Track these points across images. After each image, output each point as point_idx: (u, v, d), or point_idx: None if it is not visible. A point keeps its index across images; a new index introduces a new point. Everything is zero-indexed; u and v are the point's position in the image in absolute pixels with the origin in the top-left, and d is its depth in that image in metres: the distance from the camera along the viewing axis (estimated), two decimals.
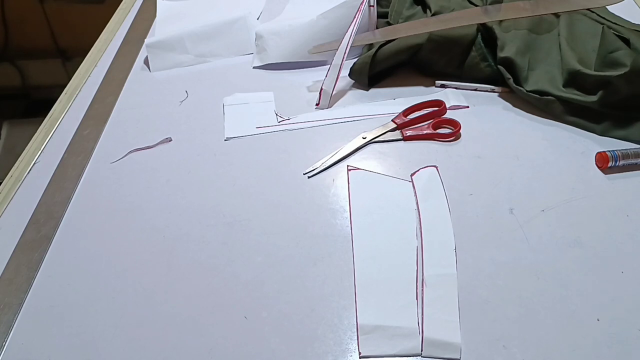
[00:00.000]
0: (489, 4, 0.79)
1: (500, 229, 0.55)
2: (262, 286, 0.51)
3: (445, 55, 0.74)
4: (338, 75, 0.73)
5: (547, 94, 0.67)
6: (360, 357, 0.45)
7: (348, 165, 0.63)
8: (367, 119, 0.70)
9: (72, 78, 0.84)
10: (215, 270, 0.53)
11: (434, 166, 0.62)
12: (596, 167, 0.61)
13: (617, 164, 0.60)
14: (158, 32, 0.90)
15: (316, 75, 0.78)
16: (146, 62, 0.84)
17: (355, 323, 0.47)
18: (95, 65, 0.86)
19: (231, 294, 0.51)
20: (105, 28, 0.97)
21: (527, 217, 0.56)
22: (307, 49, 0.79)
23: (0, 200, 0.63)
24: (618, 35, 0.70)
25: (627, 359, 0.44)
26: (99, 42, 0.93)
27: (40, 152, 0.69)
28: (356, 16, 0.75)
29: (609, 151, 0.60)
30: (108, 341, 0.47)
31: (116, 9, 1.03)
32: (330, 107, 0.73)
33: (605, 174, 0.60)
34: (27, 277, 0.53)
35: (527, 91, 0.68)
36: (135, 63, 0.85)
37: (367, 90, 0.76)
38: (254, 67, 0.82)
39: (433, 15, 0.78)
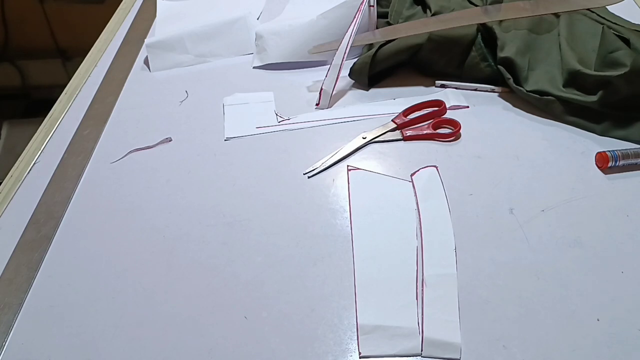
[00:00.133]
0: (489, 4, 0.79)
1: (500, 229, 0.55)
2: (262, 286, 0.51)
3: (445, 55, 0.74)
4: (338, 75, 0.73)
5: (547, 94, 0.67)
6: (360, 357, 0.45)
7: (348, 165, 0.63)
8: (367, 119, 0.70)
9: (72, 78, 0.84)
10: (215, 270, 0.53)
11: (434, 166, 0.62)
12: (596, 167, 0.61)
13: (617, 164, 0.60)
14: (158, 32, 0.90)
15: (316, 75, 0.78)
16: (146, 62, 0.84)
17: (355, 323, 0.47)
18: (95, 65, 0.86)
19: (231, 294, 0.51)
20: (105, 28, 0.97)
21: (527, 217, 0.56)
22: (307, 49, 0.79)
23: (0, 200, 0.63)
24: (618, 35, 0.70)
25: (627, 359, 0.44)
26: (99, 42, 0.93)
27: (40, 152, 0.69)
28: (356, 16, 0.75)
29: (609, 151, 0.60)
30: (108, 341, 0.47)
31: (116, 9, 1.03)
32: (330, 107, 0.73)
33: (605, 174, 0.60)
34: (27, 277, 0.53)
35: (527, 91, 0.68)
36: (135, 63, 0.85)
37: (367, 90, 0.76)
38: (254, 67, 0.82)
39: (433, 15, 0.78)
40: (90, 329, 0.49)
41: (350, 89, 0.76)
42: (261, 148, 0.67)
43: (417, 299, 0.49)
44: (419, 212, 0.57)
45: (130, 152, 0.68)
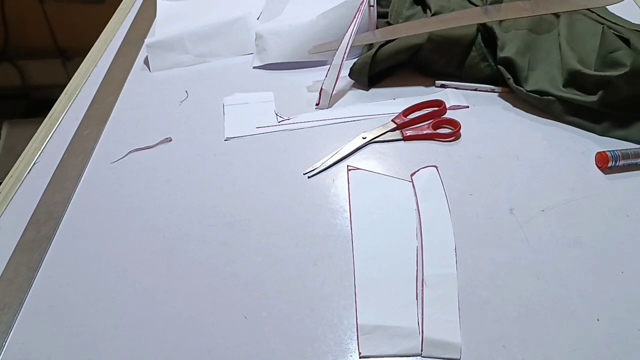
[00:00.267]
0: (489, 4, 0.79)
1: (500, 229, 0.55)
2: (262, 286, 0.51)
3: (445, 55, 0.74)
4: (338, 75, 0.73)
5: (547, 94, 0.67)
6: (360, 357, 0.45)
7: (348, 165, 0.63)
8: (367, 119, 0.70)
9: (72, 78, 0.84)
10: (215, 270, 0.53)
11: (434, 166, 0.62)
12: (596, 167, 0.61)
13: (617, 164, 0.60)
14: (158, 32, 0.90)
15: (316, 75, 0.78)
16: (146, 62, 0.84)
17: (355, 323, 0.47)
18: (95, 65, 0.86)
19: (231, 294, 0.51)
20: (105, 28, 0.97)
21: (527, 217, 0.56)
22: (307, 49, 0.79)
23: (0, 200, 0.63)
24: (618, 35, 0.70)
25: (627, 359, 0.44)
26: (99, 42, 0.93)
27: (40, 152, 0.69)
28: (356, 16, 0.75)
29: (609, 151, 0.60)
30: (108, 341, 0.47)
31: (116, 9, 1.03)
32: (330, 107, 0.73)
33: (605, 174, 0.60)
34: (27, 277, 0.53)
35: (527, 91, 0.68)
36: (135, 63, 0.85)
37: (367, 90, 0.76)
38: (254, 67, 0.82)
39: (433, 15, 0.78)
40: (90, 329, 0.49)
41: (350, 89, 0.76)
42: (261, 148, 0.67)
43: (417, 299, 0.49)
44: (419, 212, 0.57)
45: (130, 152, 0.68)
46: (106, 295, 0.51)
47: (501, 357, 0.44)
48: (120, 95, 0.78)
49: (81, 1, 1.73)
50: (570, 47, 0.72)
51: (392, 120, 0.68)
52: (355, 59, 0.75)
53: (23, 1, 1.73)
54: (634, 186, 0.59)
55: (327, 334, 0.47)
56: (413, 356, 0.45)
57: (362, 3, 0.76)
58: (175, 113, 0.74)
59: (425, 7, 0.82)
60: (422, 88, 0.75)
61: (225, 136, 0.69)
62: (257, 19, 0.93)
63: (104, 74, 0.83)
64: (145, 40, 0.84)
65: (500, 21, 0.74)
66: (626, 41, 0.68)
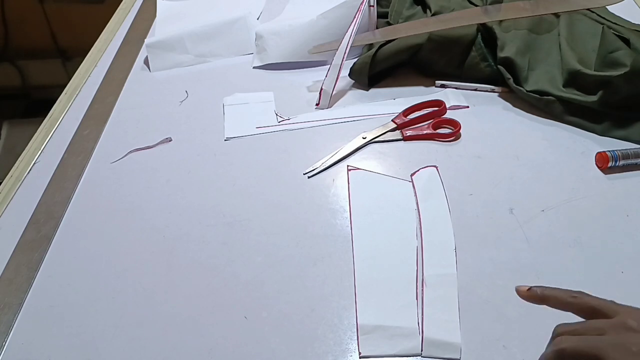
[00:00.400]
0: (489, 4, 0.79)
1: (500, 229, 0.55)
2: (262, 286, 0.51)
3: (445, 55, 0.74)
4: (338, 75, 0.73)
5: (547, 94, 0.67)
6: (360, 357, 0.45)
7: (348, 165, 0.63)
8: (367, 119, 0.70)
9: (72, 78, 0.84)
10: (215, 270, 0.53)
11: (434, 166, 0.62)
12: (596, 167, 0.61)
13: (617, 164, 0.60)
14: (158, 32, 0.90)
15: (316, 75, 0.78)
16: (146, 62, 0.84)
17: (355, 323, 0.47)
18: (95, 65, 0.86)
19: (231, 294, 0.51)
20: (105, 28, 0.97)
21: (527, 217, 0.56)
22: (307, 49, 0.79)
23: (0, 200, 0.63)
24: (618, 35, 0.70)
25: None
26: (99, 42, 0.93)
27: (40, 152, 0.69)
28: (356, 16, 0.75)
29: (609, 151, 0.60)
30: (108, 341, 0.47)
31: (116, 9, 1.03)
32: (330, 107, 0.73)
33: (605, 174, 0.60)
34: (27, 277, 0.53)
35: (527, 91, 0.68)
36: (135, 63, 0.85)
37: (367, 90, 0.76)
38: (254, 67, 0.82)
39: (433, 15, 0.78)
40: (90, 329, 0.49)
41: (350, 89, 0.76)
42: (261, 148, 0.67)
43: (417, 299, 0.49)
44: (419, 212, 0.57)
45: (130, 152, 0.68)
46: (106, 295, 0.51)
47: (501, 357, 0.44)
48: (120, 95, 0.78)
49: (81, 1, 1.73)
50: (570, 47, 0.72)
51: (392, 120, 0.68)
52: (355, 59, 0.75)
53: (23, 1, 1.73)
54: (634, 186, 0.59)
55: (327, 334, 0.47)
56: (413, 356, 0.45)
57: (362, 3, 0.76)
58: (175, 113, 0.74)
59: (425, 7, 0.82)
60: (422, 88, 0.75)
61: (225, 136, 0.69)
62: (257, 19, 0.93)
63: (104, 74, 0.83)
64: (145, 40, 0.84)
65: (500, 21, 0.74)
66: (626, 41, 0.68)
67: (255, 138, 0.68)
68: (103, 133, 0.71)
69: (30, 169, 0.67)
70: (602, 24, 0.74)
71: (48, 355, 0.47)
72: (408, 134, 0.67)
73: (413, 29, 0.74)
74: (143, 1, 1.04)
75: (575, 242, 0.53)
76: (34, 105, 1.86)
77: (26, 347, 0.48)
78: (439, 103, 0.69)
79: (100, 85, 0.81)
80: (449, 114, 0.69)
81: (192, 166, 0.65)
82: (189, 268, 0.53)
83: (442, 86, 0.74)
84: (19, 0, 1.73)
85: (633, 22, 0.77)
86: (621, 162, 0.60)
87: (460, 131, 0.66)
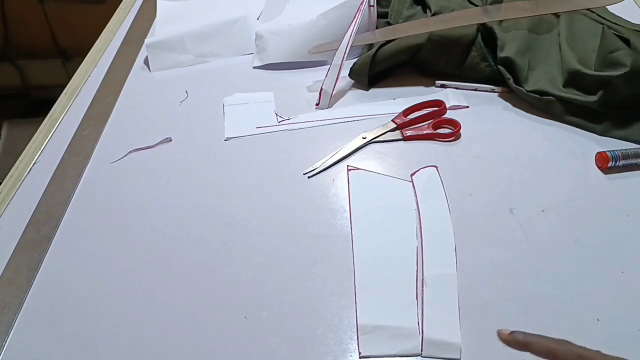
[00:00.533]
0: (489, 4, 0.79)
1: (500, 229, 0.55)
2: (262, 286, 0.51)
3: (445, 55, 0.74)
4: (338, 75, 0.73)
5: (547, 94, 0.67)
6: (360, 357, 0.45)
7: (348, 165, 0.63)
8: (367, 119, 0.70)
9: (72, 78, 0.84)
10: (215, 270, 0.53)
11: (434, 166, 0.62)
12: (596, 167, 0.61)
13: (617, 164, 0.60)
14: (158, 32, 0.90)
15: (316, 75, 0.78)
16: (146, 62, 0.84)
17: (355, 323, 0.47)
18: (95, 65, 0.86)
19: (231, 294, 0.51)
20: (105, 28, 0.97)
21: (527, 217, 0.56)
22: (307, 49, 0.79)
23: (0, 200, 0.63)
24: (618, 35, 0.70)
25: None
26: (99, 42, 0.93)
27: (40, 152, 0.69)
28: (356, 16, 0.75)
29: (609, 151, 0.60)
30: (108, 341, 0.47)
31: (116, 9, 1.03)
32: (330, 107, 0.73)
33: (605, 174, 0.60)
34: (27, 277, 0.53)
35: (527, 91, 0.68)
36: (135, 63, 0.85)
37: (367, 90, 0.76)
38: (254, 67, 0.82)
39: (433, 15, 0.78)
40: (90, 329, 0.49)
41: (350, 89, 0.76)
42: (261, 148, 0.67)
43: (417, 299, 0.49)
44: (419, 212, 0.57)
45: (130, 152, 0.68)
46: (106, 295, 0.51)
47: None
48: (120, 95, 0.78)
49: (81, 1, 1.73)
50: (570, 47, 0.72)
51: (392, 120, 0.68)
52: (355, 59, 0.75)
53: (23, 1, 1.73)
54: (634, 186, 0.59)
55: (327, 334, 0.47)
56: (413, 356, 0.45)
57: (362, 3, 0.76)
58: (175, 113, 0.74)
59: (425, 7, 0.82)
60: (422, 88, 0.75)
61: (225, 136, 0.69)
62: (257, 19, 0.93)
63: (104, 74, 0.83)
64: (145, 40, 0.84)
65: (500, 21, 0.74)
66: (626, 41, 0.68)
67: (255, 138, 0.68)
68: (103, 133, 0.71)
69: (30, 169, 0.67)
70: (602, 24, 0.74)
71: (48, 355, 0.47)
72: (408, 134, 0.67)
73: (413, 29, 0.74)
74: (143, 1, 1.04)
75: (575, 242, 0.53)
76: (34, 105, 1.86)
77: (26, 347, 0.48)
78: (439, 103, 0.69)
79: (100, 85, 0.81)
80: (449, 114, 0.69)
81: (192, 166, 0.65)
82: (189, 268, 0.53)
83: (442, 86, 0.74)
84: (19, 0, 1.73)
85: (633, 22, 0.77)
86: (621, 162, 0.60)
87: (460, 131, 0.66)
